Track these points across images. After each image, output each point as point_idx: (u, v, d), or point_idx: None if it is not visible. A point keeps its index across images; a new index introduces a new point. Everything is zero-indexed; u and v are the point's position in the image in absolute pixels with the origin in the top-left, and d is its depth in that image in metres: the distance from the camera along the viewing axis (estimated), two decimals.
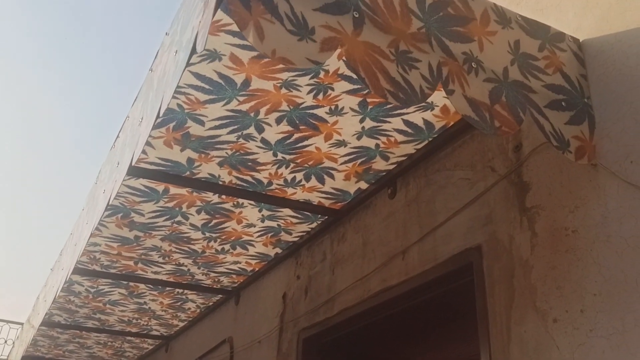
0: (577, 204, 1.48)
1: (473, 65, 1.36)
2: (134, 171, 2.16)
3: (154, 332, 4.35)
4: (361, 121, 1.94)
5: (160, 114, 1.27)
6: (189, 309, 3.82)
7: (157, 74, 1.57)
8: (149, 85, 1.68)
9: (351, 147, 2.09)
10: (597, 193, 1.43)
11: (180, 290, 3.49)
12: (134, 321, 4.06)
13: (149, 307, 3.78)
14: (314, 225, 2.68)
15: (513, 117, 1.36)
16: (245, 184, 2.34)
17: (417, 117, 1.92)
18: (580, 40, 1.61)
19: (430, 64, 1.29)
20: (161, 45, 1.60)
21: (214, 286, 3.43)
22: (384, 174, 2.25)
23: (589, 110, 1.50)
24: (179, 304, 3.72)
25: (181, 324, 4.12)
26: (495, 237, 1.70)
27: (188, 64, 1.20)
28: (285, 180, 2.30)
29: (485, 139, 1.85)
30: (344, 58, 1.56)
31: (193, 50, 1.18)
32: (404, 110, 1.89)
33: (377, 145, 2.08)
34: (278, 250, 2.95)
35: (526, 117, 1.38)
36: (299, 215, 2.60)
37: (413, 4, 1.34)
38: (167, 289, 3.45)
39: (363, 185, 2.35)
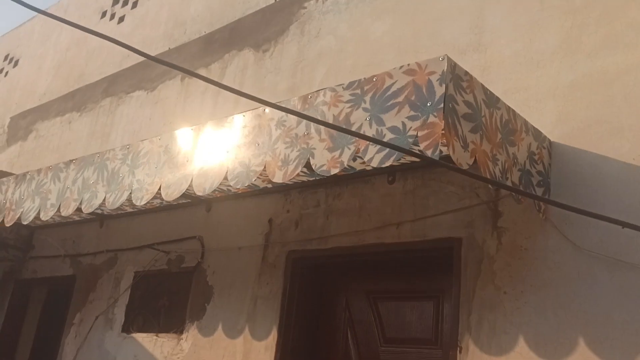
0: (531, 234, 2.72)
1: (515, 161, 2.47)
2: None
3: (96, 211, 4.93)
4: None
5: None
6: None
7: (331, 112, 2.40)
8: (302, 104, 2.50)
9: None
10: (544, 233, 2.68)
11: None
12: None
13: None
14: (312, 178, 3.64)
15: (524, 193, 2.52)
16: None
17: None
18: (551, 141, 2.80)
19: (503, 162, 2.37)
20: (332, 91, 2.42)
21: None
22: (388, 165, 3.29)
23: (549, 187, 2.72)
24: None
25: (129, 210, 4.79)
26: (472, 236, 2.90)
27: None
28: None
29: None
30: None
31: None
32: None
33: None
34: (268, 185, 3.85)
35: (529, 192, 2.55)
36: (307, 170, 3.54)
37: (499, 122, 2.40)
38: None
39: (368, 167, 3.37)
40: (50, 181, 3.73)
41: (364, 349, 3.41)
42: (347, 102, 2.36)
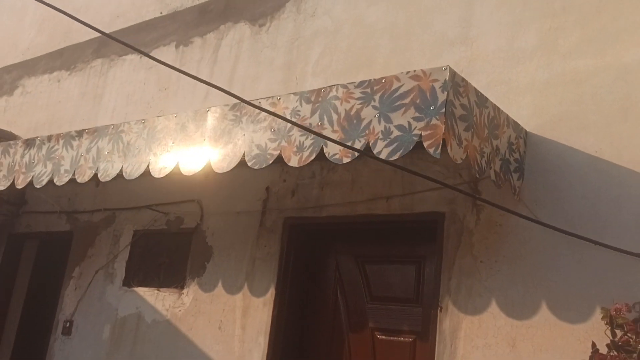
0: (505, 212, 3.15)
1: (497, 152, 2.87)
2: None
3: None
4: None
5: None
6: None
7: (343, 107, 2.73)
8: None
9: None
10: (516, 212, 3.12)
11: None
12: None
13: None
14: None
15: (504, 178, 2.93)
16: None
17: None
18: (527, 131, 3.20)
19: (488, 154, 2.77)
20: (344, 87, 2.74)
21: None
22: None
23: (523, 172, 3.14)
24: None
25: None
26: (454, 212, 3.32)
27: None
28: None
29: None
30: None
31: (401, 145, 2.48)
32: None
33: None
34: None
35: (506, 178, 2.96)
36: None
37: (486, 119, 2.78)
38: None
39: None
40: (62, 148, 3.97)
41: (352, 305, 3.85)
42: (358, 99, 2.70)
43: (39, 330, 5.70)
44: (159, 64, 5.23)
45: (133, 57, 5.56)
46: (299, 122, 2.86)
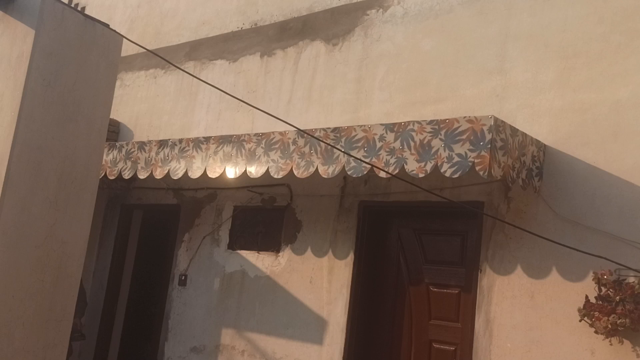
0: (528, 203, 4.42)
1: (524, 164, 4.11)
2: None
3: None
4: None
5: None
6: None
7: (418, 137, 3.98)
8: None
9: None
10: (536, 203, 4.38)
11: None
12: None
13: None
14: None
15: (528, 182, 4.18)
16: None
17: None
18: (545, 145, 4.42)
19: (517, 168, 4.01)
20: (418, 123, 3.98)
21: None
22: None
23: (542, 176, 4.38)
24: None
25: None
26: (491, 202, 4.60)
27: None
28: None
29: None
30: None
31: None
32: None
33: None
34: None
35: (530, 182, 4.21)
36: None
37: (517, 144, 4.01)
38: None
39: None
40: (193, 149, 5.27)
41: (411, 266, 5.19)
42: (429, 132, 3.94)
43: (150, 280, 7.18)
44: (245, 70, 6.48)
45: (222, 62, 6.78)
46: (385, 145, 4.12)
